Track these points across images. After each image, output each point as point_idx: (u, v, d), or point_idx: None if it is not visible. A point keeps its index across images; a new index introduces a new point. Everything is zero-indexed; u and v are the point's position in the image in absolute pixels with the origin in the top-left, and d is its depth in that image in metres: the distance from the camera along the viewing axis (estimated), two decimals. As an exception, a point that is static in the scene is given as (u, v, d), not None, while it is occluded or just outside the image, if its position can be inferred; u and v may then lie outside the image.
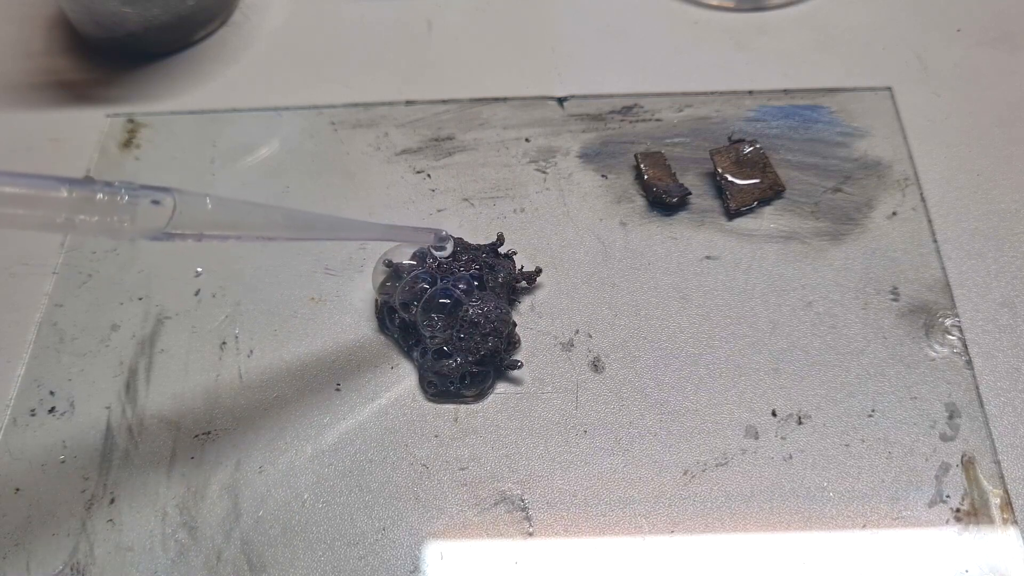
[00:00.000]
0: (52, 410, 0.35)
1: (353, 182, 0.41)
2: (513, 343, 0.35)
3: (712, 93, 0.43)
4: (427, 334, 0.34)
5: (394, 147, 0.42)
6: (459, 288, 0.34)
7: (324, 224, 0.31)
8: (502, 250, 0.37)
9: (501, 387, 0.34)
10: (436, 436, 0.33)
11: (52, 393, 0.35)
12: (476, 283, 0.34)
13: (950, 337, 0.35)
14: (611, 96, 0.44)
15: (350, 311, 0.37)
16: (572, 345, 0.35)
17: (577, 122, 0.43)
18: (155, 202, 0.25)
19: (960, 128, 0.41)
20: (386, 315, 0.36)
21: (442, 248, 0.34)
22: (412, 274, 0.35)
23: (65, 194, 0.22)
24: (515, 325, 0.35)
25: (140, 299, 0.38)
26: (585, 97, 0.44)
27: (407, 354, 0.35)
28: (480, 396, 0.34)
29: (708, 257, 0.38)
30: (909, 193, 0.39)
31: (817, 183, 0.40)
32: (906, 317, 0.35)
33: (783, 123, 0.42)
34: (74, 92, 0.46)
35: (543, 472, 0.32)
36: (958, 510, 0.31)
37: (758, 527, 0.31)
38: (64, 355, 0.36)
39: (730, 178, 0.39)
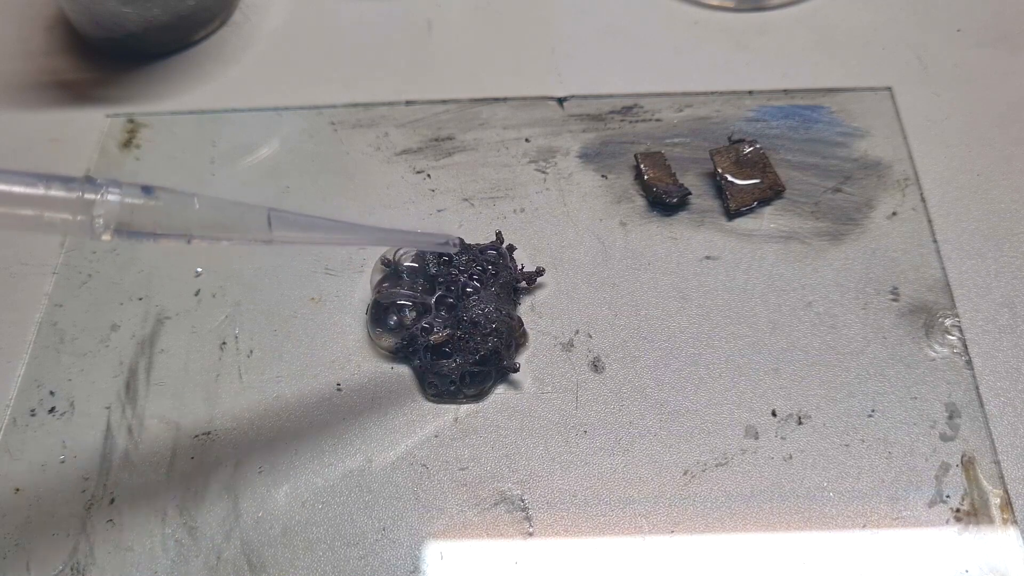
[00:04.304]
0: (52, 410, 0.35)
1: (353, 182, 0.41)
2: (520, 344, 0.35)
3: (712, 93, 0.43)
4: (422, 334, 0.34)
5: (394, 147, 0.42)
6: (465, 289, 0.34)
7: (324, 227, 0.29)
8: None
9: (501, 387, 0.34)
10: (436, 436, 0.33)
11: (52, 393, 0.35)
12: (474, 285, 0.34)
13: (950, 337, 0.35)
14: (611, 96, 0.44)
15: (350, 311, 0.37)
16: (572, 345, 0.35)
17: (577, 122, 0.43)
18: (138, 200, 0.24)
19: (960, 128, 0.41)
20: (371, 315, 0.35)
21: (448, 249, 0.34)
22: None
23: (43, 191, 0.22)
24: (522, 324, 0.35)
25: (140, 299, 0.38)
26: (585, 97, 0.44)
27: (403, 358, 0.35)
28: (480, 396, 0.34)
29: (708, 257, 0.38)
30: (909, 193, 0.39)
31: (817, 183, 0.40)
32: (906, 317, 0.35)
33: (783, 123, 0.42)
34: (74, 92, 0.46)
35: (543, 472, 0.32)
36: (958, 510, 0.31)
37: (758, 527, 0.31)
38: (64, 355, 0.36)
39: (730, 178, 0.39)
